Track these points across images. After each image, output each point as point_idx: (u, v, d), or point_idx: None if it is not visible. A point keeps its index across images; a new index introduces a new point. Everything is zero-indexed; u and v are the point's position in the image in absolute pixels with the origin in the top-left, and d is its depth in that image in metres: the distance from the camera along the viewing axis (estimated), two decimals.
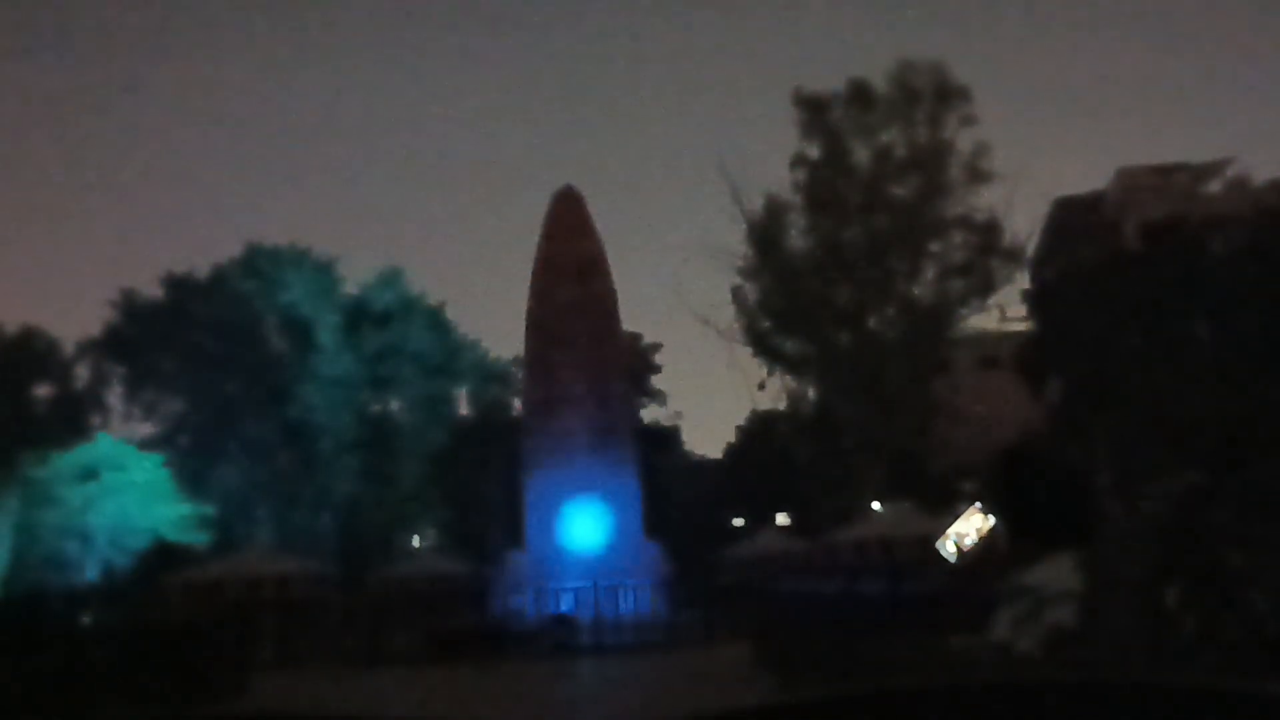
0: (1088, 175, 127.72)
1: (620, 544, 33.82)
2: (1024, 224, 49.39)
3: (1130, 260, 36.76)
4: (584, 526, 34.15)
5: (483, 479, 48.69)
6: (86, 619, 34.48)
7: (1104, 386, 34.15)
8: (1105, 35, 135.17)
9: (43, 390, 52.98)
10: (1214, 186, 52.49)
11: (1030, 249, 48.36)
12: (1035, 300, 42.65)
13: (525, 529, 35.31)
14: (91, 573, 47.22)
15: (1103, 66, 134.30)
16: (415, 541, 56.83)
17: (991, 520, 34.96)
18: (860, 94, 47.40)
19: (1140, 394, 32.47)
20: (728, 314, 48.64)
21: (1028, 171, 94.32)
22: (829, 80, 67.22)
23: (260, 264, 57.46)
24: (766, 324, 48.54)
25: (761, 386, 50.37)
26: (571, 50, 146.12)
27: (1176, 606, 6.06)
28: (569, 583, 31.94)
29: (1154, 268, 34.45)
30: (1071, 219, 48.33)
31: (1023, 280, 47.46)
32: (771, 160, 74.33)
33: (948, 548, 37.21)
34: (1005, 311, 48.15)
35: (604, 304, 36.55)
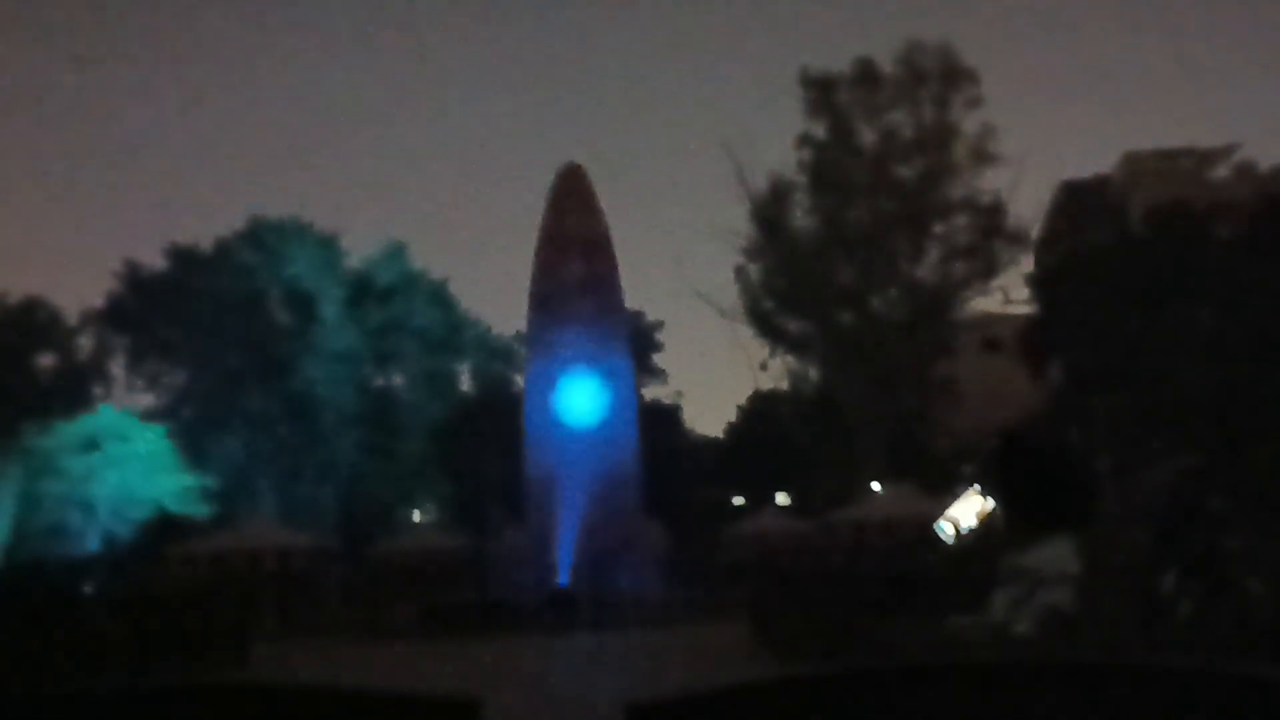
0: (1093, 159, 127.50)
1: (619, 519, 33.89)
2: (1028, 207, 49.50)
3: (1134, 244, 36.73)
4: (585, 504, 34.23)
5: (484, 455, 48.79)
6: (88, 589, 34.66)
7: (1105, 370, 34.18)
8: (1113, 18, 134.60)
9: (45, 360, 53.03)
10: (1220, 172, 52.37)
11: (1034, 232, 48.35)
12: (1038, 283, 42.67)
13: (526, 506, 35.41)
14: (93, 543, 47.37)
15: (1110, 50, 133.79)
16: (416, 516, 56.98)
17: (990, 502, 35.00)
18: (867, 74, 47.25)
19: (1141, 378, 32.50)
20: (730, 293, 48.69)
21: (1033, 154, 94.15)
22: (836, 60, 66.89)
23: (264, 237, 57.40)
24: (769, 304, 48.55)
25: (763, 366, 50.49)
26: (577, 26, 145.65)
27: (1172, 590, 6.08)
28: (568, 554, 32.11)
29: (1158, 252, 34.44)
30: (1076, 202, 48.31)
31: (1026, 263, 47.48)
32: (776, 139, 74.17)
33: (946, 530, 37.31)
34: (1008, 294, 48.20)
35: (607, 281, 36.55)
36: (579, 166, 37.71)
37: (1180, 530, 6.09)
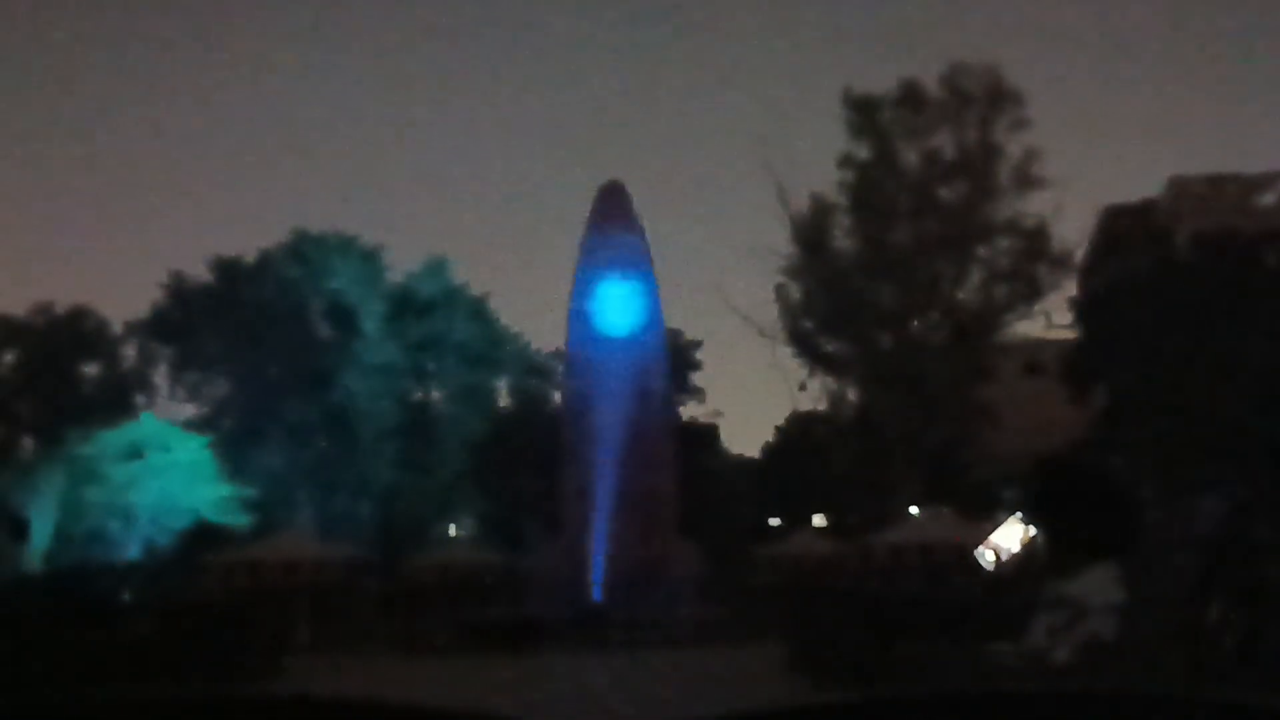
0: (1139, 183, 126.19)
1: (655, 538, 33.77)
2: (1073, 231, 48.85)
3: (1180, 270, 36.32)
4: (620, 522, 34.14)
5: (521, 470, 48.85)
6: (127, 596, 34.98)
7: (1150, 397, 33.78)
8: (1160, 42, 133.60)
9: (90, 369, 53.76)
10: (1267, 199, 51.77)
11: (1079, 256, 47.91)
12: (1083, 308, 42.26)
13: (561, 522, 35.42)
14: (133, 551, 47.84)
15: (1157, 74, 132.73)
16: (452, 530, 57.10)
17: (1032, 530, 34.67)
18: (911, 95, 47.09)
19: (1187, 405, 32.09)
20: (770, 313, 48.54)
21: (1078, 178, 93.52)
22: (880, 81, 66.74)
23: (307, 250, 57.96)
24: (809, 324, 48.39)
25: (802, 387, 50.25)
26: (619, 45, 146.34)
27: (1216, 621, 5.98)
28: (603, 572, 32.11)
29: (1204, 279, 34.04)
30: (1121, 227, 47.77)
31: (1070, 288, 47.03)
32: (818, 160, 73.95)
33: (986, 556, 36.95)
34: (1051, 318, 47.79)
35: (646, 298, 36.57)
36: (620, 184, 37.80)
37: (1226, 560, 6.00)
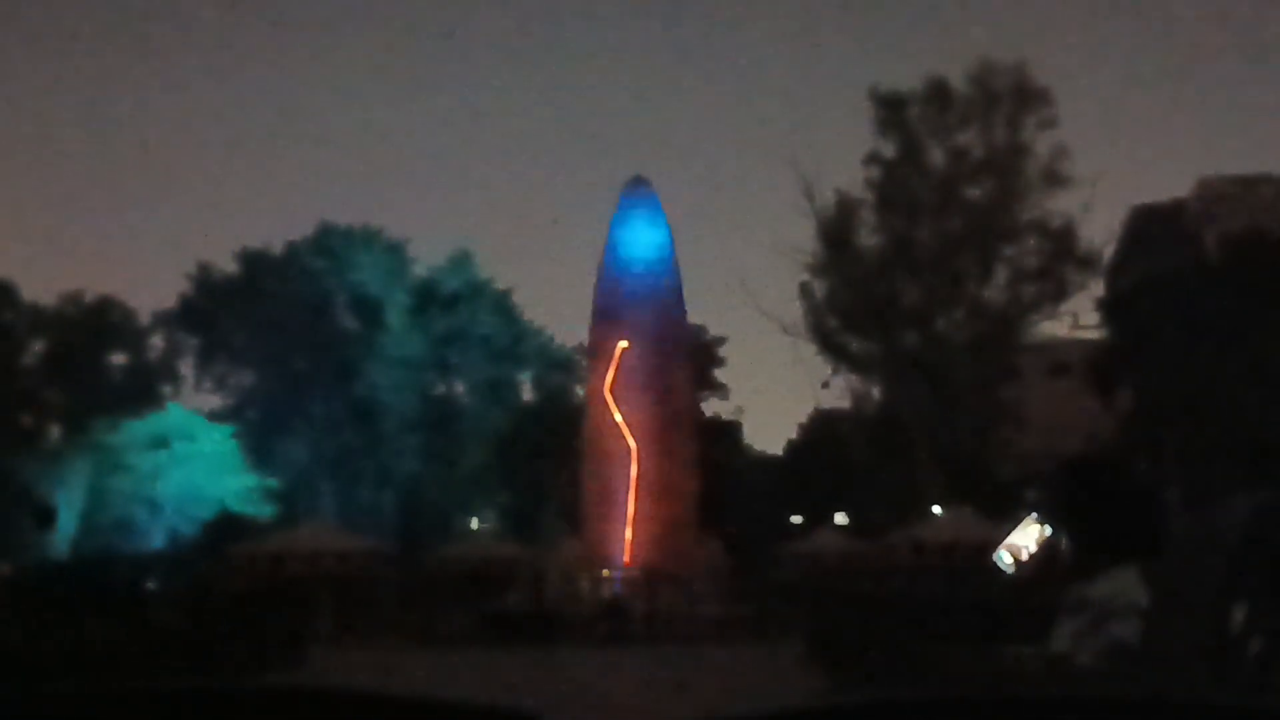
0: (1168, 183, 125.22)
1: (676, 534, 33.82)
2: (1100, 231, 48.37)
3: (1210, 272, 36.04)
4: (642, 517, 34.18)
5: (543, 464, 48.97)
6: (152, 585, 35.27)
7: (1176, 399, 33.54)
8: (1191, 40, 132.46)
9: (117, 359, 54.21)
10: None
11: (1106, 256, 47.57)
12: (1110, 309, 41.93)
13: (582, 517, 35.46)
14: (158, 540, 48.19)
15: (1188, 72, 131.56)
16: (474, 523, 57.29)
17: (1048, 530, 34.47)
18: (938, 93, 46.84)
19: (1214, 409, 31.86)
20: (794, 310, 48.38)
21: (1106, 177, 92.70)
22: (907, 78, 66.53)
23: (332, 243, 58.24)
24: (833, 322, 48.21)
25: (825, 385, 50.06)
26: (645, 40, 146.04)
27: (1243, 627, 5.93)
28: (623, 567, 32.17)
29: (1234, 280, 33.75)
30: (1150, 228, 47.38)
31: (1097, 288, 46.69)
32: (844, 157, 73.77)
33: (1005, 558, 36.74)
34: (1077, 319, 47.43)
35: (670, 294, 36.57)
36: (645, 179, 37.84)
37: (1252, 565, 5.95)
